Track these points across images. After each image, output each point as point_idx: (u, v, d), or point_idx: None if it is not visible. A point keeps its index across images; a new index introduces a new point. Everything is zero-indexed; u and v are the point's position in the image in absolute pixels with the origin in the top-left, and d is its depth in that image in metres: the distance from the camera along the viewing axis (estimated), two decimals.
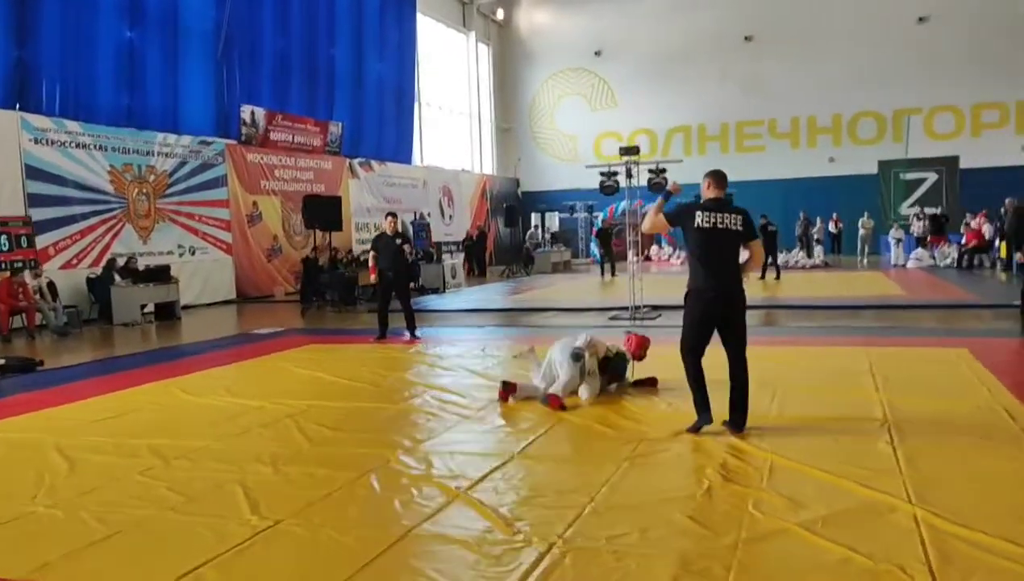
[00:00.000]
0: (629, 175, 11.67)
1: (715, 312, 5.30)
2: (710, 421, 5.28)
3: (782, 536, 3.55)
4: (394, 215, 10.67)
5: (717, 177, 5.43)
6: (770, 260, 19.59)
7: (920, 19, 27.52)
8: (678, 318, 5.62)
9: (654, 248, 29.85)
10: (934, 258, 20.94)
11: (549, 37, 33.08)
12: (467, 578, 3.24)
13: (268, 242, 19.57)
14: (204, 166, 17.52)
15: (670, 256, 28.77)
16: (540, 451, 5.10)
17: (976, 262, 19.53)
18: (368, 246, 11.93)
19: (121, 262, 14.51)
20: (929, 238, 21.88)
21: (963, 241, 19.87)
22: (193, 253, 17.12)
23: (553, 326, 12.00)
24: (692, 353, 5.34)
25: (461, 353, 9.29)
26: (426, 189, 26.72)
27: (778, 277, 19.36)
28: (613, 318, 12.27)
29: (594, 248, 30.97)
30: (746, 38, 30.00)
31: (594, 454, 5.05)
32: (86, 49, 15.13)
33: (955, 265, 19.95)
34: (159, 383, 7.92)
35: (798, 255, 23.64)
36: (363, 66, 23.69)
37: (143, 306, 14.23)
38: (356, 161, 23.01)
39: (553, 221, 31.01)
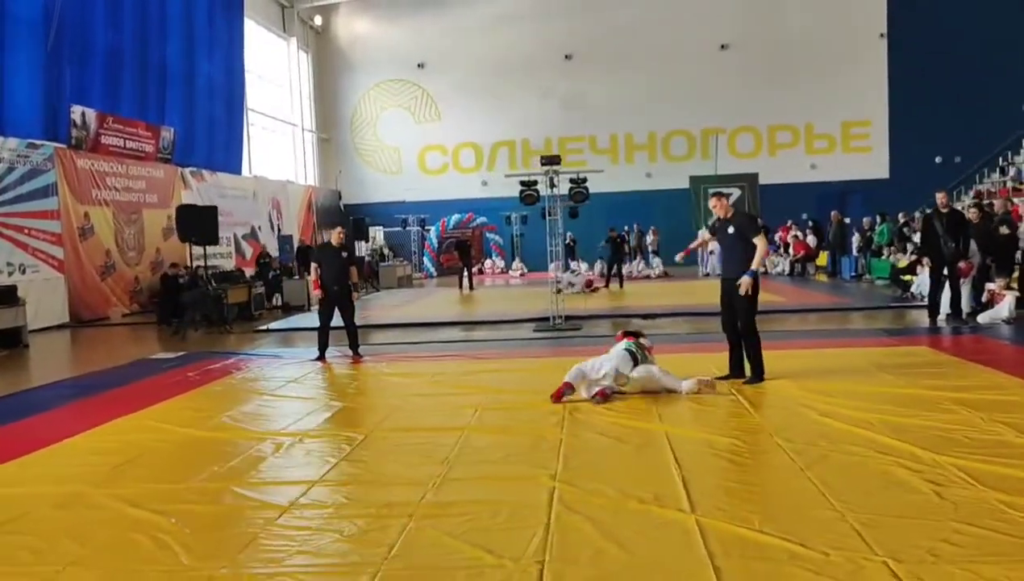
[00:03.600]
0: (552, 185, 11.69)
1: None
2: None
3: None
4: (342, 226, 9.94)
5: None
6: (614, 270, 20.50)
7: (722, 46, 30.04)
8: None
9: (488, 262, 30.16)
10: (765, 267, 22.89)
11: (370, 47, 32.38)
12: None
13: (101, 258, 17.45)
14: (33, 172, 15.32)
15: (504, 269, 29.23)
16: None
17: (802, 270, 21.61)
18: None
19: None
20: None
21: (791, 251, 21.93)
22: (24, 271, 14.90)
23: (477, 340, 11.78)
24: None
25: (444, 370, 8.84)
26: (256, 201, 25.17)
27: (621, 285, 20.22)
28: (537, 330, 12.24)
29: (427, 262, 30.81)
30: (566, 56, 31.15)
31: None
32: None
33: (785, 273, 21.95)
34: (133, 415, 6.82)
35: (640, 265, 24.85)
36: (194, 67, 21.92)
37: None
38: (188, 170, 21.20)
39: (378, 235, 30.33)
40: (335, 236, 9.78)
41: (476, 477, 4.82)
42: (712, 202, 7.37)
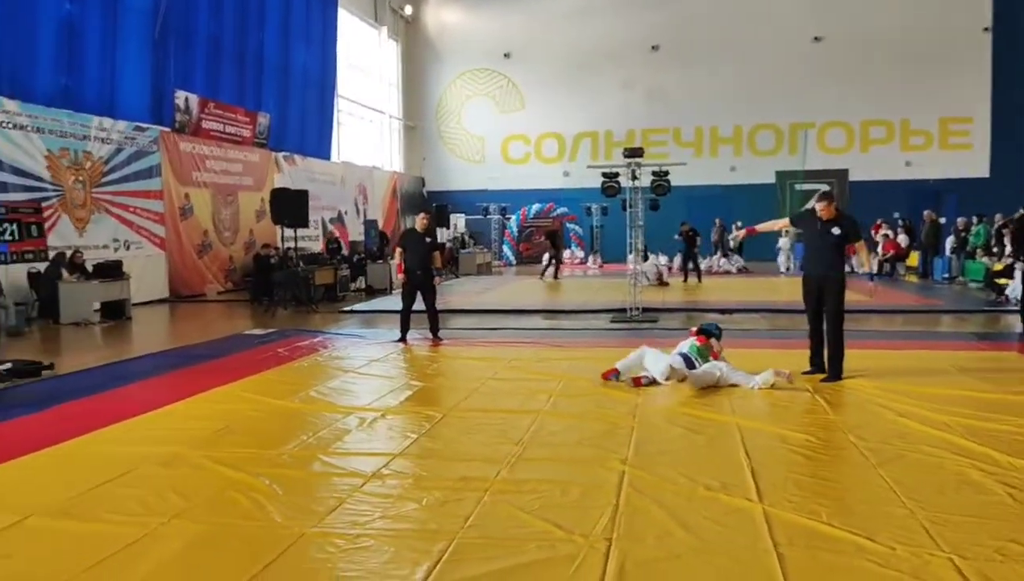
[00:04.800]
0: (634, 177, 11.73)
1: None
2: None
3: None
4: (428, 212, 10.24)
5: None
6: (691, 265, 20.29)
7: (816, 38, 29.31)
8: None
9: (567, 252, 30.23)
10: (851, 266, 22.31)
11: (457, 36, 32.79)
12: None
13: (199, 237, 18.31)
14: (139, 154, 16.20)
15: (582, 260, 29.32)
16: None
17: (891, 270, 20.99)
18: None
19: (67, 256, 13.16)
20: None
21: (880, 250, 21.33)
22: (128, 247, 15.78)
23: (555, 329, 11.94)
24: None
25: (531, 355, 9.04)
26: (343, 186, 25.88)
27: (699, 280, 20.03)
28: (613, 320, 12.33)
29: (507, 251, 31.11)
30: (653, 47, 30.89)
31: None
32: (24, 21, 13.63)
33: (873, 272, 21.32)
34: (229, 386, 7.27)
35: (720, 260, 24.58)
36: (289, 56, 22.71)
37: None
38: (281, 155, 21.99)
39: (459, 222, 30.76)
40: (419, 222, 10.08)
41: (549, 458, 5.00)
42: (820, 206, 7.24)
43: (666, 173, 12.26)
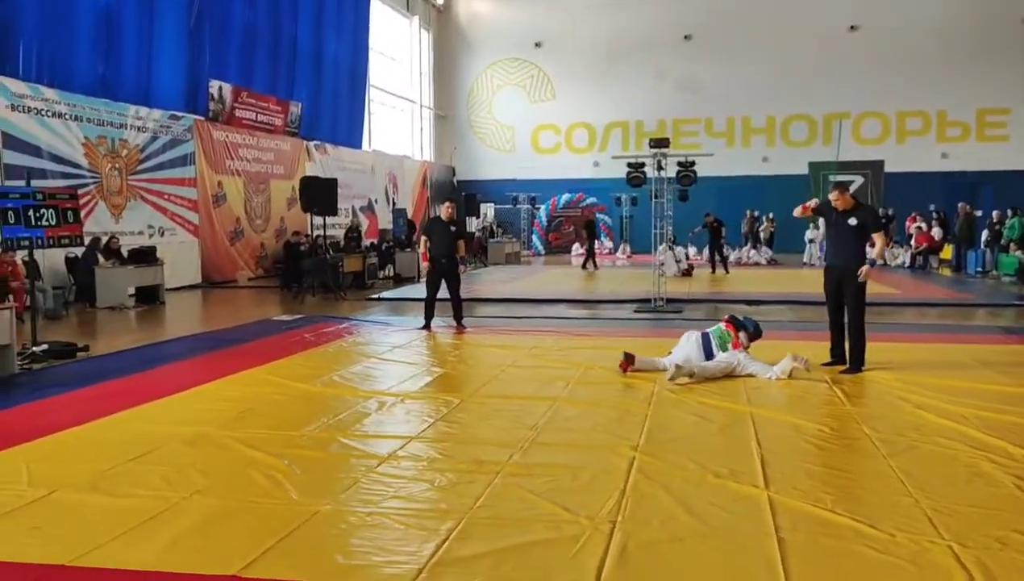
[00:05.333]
0: (660, 168, 11.73)
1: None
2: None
3: None
4: (452, 201, 10.35)
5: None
6: (717, 256, 20.17)
7: (852, 27, 28.90)
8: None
9: (596, 242, 30.18)
10: (884, 258, 22.07)
11: (489, 26, 32.81)
12: None
13: (231, 225, 18.62)
14: (174, 142, 16.51)
15: (612, 250, 29.28)
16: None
17: (924, 263, 20.73)
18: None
19: (103, 242, 13.49)
20: None
21: (913, 243, 21.07)
22: (163, 234, 16.11)
23: (578, 318, 12.00)
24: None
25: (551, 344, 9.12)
26: (374, 175, 26.10)
27: (726, 271, 19.92)
28: (638, 310, 12.36)
29: (536, 240, 31.17)
30: (685, 37, 30.66)
31: None
32: (64, 12, 13.93)
33: (906, 266, 21.12)
34: (255, 370, 7.45)
35: (749, 252, 24.42)
36: (322, 46, 22.95)
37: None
38: (312, 144, 22.24)
39: (488, 211, 30.86)
40: (444, 211, 10.19)
41: (562, 443, 5.08)
42: (834, 195, 7.24)
43: (692, 163, 12.24)
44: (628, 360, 7.22)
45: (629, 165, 12.47)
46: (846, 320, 7.29)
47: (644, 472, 4.45)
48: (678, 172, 12.32)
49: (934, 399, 6.04)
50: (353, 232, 21.42)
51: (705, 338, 7.16)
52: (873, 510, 3.83)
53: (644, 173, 12.53)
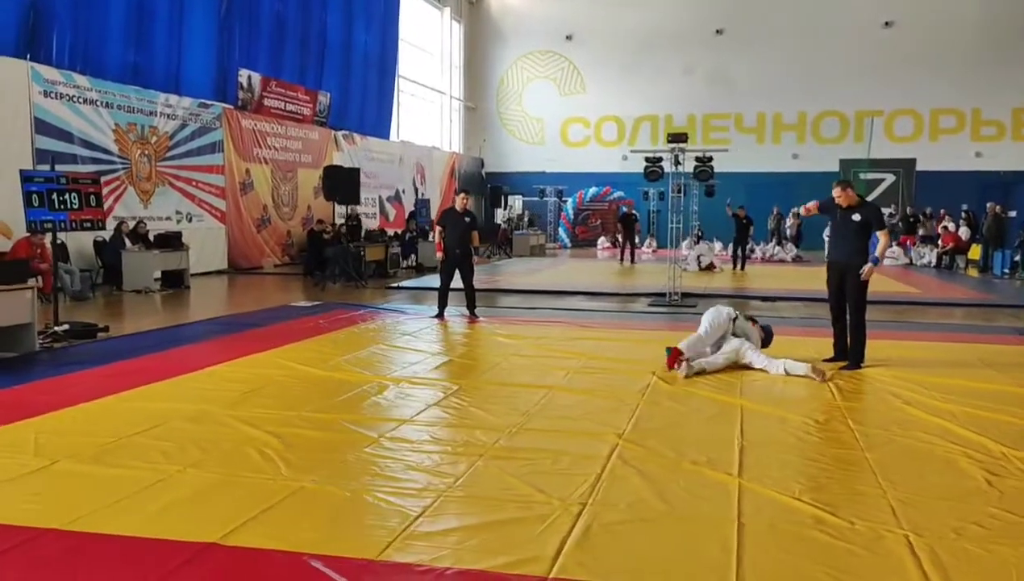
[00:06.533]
0: (677, 163, 11.77)
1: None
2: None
3: None
4: (467, 192, 10.50)
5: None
6: (739, 252, 19.96)
7: (886, 24, 28.53)
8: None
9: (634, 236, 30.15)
10: (910, 257, 21.88)
11: (520, 18, 32.86)
12: None
13: (258, 212, 18.96)
14: (203, 130, 16.85)
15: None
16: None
17: (950, 263, 20.48)
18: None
19: (130, 226, 13.85)
20: (902, 237, 22.83)
21: (940, 242, 20.83)
22: (190, 220, 16.47)
23: (591, 310, 12.08)
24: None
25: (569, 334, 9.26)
26: (402, 165, 26.35)
27: (743, 268, 19.67)
28: (651, 304, 12.42)
29: (562, 233, 31.24)
30: (717, 31, 30.46)
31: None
32: (96, 0, 14.29)
33: (932, 265, 20.89)
34: (266, 353, 7.67)
35: (774, 248, 24.29)
36: (351, 36, 23.19)
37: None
38: (340, 133, 22.51)
39: (516, 203, 30.96)
40: (459, 201, 10.34)
41: (549, 430, 5.22)
42: (837, 191, 7.28)
43: (709, 159, 12.25)
44: (673, 356, 6.95)
45: (647, 160, 12.52)
46: (847, 316, 7.33)
47: (624, 458, 4.57)
48: (695, 168, 12.35)
49: (925, 396, 6.08)
50: (354, 220, 21.69)
51: (735, 321, 7.25)
52: (837, 499, 3.92)
53: (661, 168, 12.58)
